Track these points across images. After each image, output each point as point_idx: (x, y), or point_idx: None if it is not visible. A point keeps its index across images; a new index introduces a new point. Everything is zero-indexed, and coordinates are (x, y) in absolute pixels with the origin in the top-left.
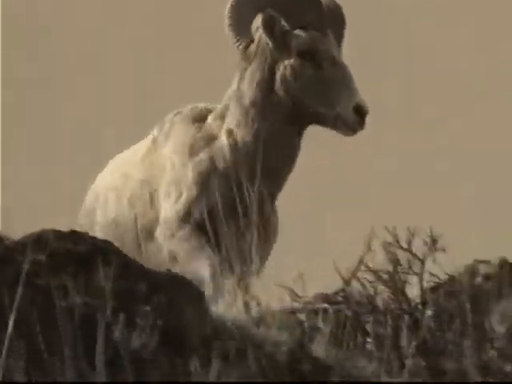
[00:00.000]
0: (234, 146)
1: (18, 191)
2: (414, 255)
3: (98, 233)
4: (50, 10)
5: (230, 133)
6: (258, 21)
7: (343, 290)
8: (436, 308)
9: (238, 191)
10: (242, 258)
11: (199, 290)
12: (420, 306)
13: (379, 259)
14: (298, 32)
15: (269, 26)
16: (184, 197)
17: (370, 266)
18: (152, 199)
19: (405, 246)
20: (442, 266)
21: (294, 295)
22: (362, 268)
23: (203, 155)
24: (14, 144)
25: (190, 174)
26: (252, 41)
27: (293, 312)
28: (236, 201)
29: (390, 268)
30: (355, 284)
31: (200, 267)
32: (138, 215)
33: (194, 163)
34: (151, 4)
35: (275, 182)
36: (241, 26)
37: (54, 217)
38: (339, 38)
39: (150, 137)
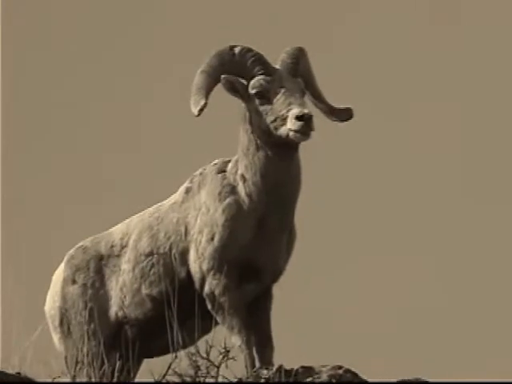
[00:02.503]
0: (248, 189)
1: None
2: (211, 362)
3: (126, 264)
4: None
5: (243, 178)
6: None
7: None
8: None
9: (263, 224)
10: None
11: None
12: None
13: (184, 365)
14: (252, 81)
15: (229, 88)
16: (217, 237)
17: (177, 370)
18: (187, 232)
19: (204, 355)
20: (234, 372)
21: None
22: (170, 372)
23: (229, 200)
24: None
25: (220, 218)
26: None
27: None
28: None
29: (193, 372)
30: None
31: (233, 333)
32: (173, 244)
33: (222, 207)
34: None
35: (289, 202)
36: (201, 92)
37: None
38: (294, 66)
39: (182, 189)
